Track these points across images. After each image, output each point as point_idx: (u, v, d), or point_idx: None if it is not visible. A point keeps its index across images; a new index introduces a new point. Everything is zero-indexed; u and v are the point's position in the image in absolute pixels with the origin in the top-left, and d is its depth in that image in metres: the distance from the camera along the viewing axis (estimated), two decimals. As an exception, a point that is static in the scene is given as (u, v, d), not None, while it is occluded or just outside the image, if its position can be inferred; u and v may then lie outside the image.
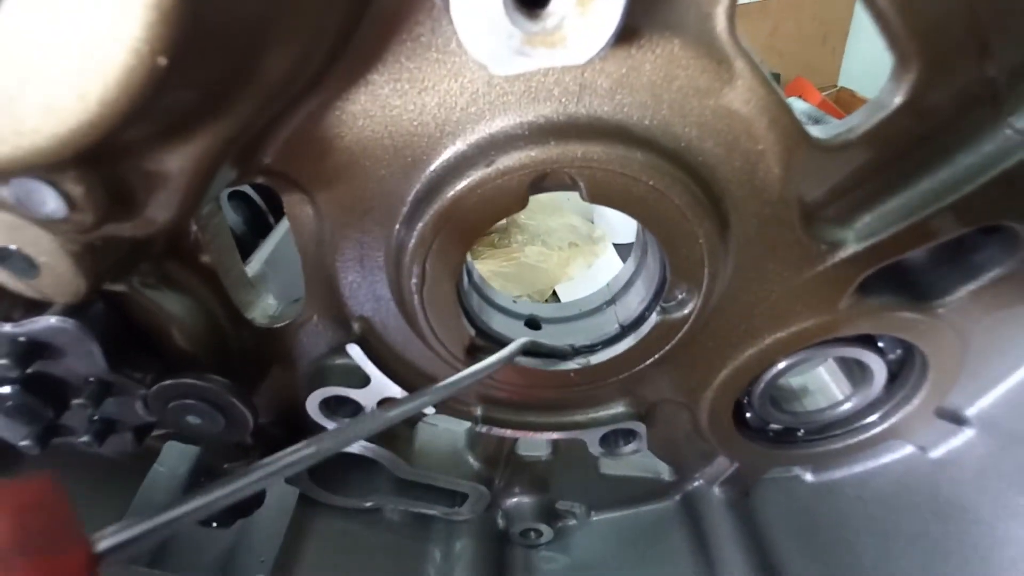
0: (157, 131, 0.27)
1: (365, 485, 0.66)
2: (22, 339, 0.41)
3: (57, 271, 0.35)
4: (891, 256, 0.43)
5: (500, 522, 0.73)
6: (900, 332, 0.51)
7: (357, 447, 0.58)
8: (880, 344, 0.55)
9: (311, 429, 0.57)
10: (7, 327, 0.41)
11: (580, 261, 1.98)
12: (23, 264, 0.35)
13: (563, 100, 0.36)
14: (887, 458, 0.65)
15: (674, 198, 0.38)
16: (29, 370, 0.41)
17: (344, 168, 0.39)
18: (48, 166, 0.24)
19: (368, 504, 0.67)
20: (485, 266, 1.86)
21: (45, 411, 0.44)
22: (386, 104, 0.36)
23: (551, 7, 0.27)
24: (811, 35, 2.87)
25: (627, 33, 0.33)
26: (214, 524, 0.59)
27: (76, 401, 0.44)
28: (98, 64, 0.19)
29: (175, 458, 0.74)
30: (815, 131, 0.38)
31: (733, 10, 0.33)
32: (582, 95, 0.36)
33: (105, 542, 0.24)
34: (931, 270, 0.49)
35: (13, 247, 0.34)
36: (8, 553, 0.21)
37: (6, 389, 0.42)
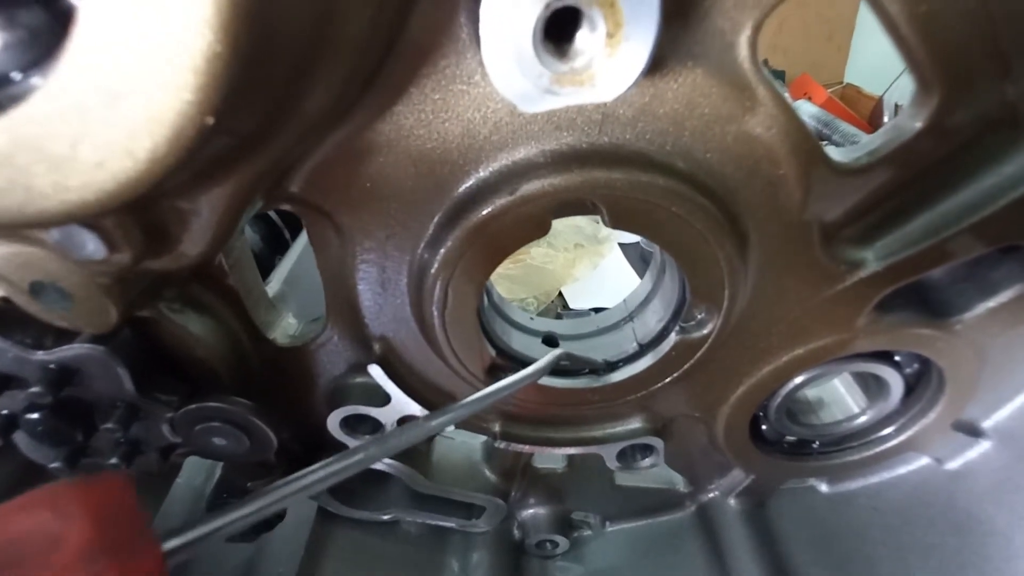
0: (194, 175, 0.27)
1: (382, 498, 0.67)
2: (53, 366, 0.42)
3: (89, 303, 0.36)
4: (910, 276, 0.44)
5: (516, 533, 0.73)
6: (918, 348, 0.51)
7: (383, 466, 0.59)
8: (897, 359, 0.55)
9: (330, 445, 0.58)
10: (39, 355, 0.41)
11: (586, 262, 1.98)
12: (56, 296, 0.36)
13: (585, 129, 0.36)
14: (903, 470, 0.65)
15: (695, 223, 0.38)
16: (60, 395, 0.42)
17: (368, 195, 0.40)
18: (92, 215, 0.24)
19: (386, 517, 0.68)
20: (491, 269, 1.86)
21: (75, 435, 0.44)
22: (411, 134, 0.37)
23: (579, 46, 0.28)
24: (816, 32, 2.86)
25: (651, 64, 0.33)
26: (241, 540, 0.59)
27: (105, 425, 0.45)
28: (149, 124, 0.20)
29: (191, 472, 0.75)
30: (835, 154, 0.38)
31: (755, 38, 0.34)
32: (604, 124, 0.36)
33: (171, 542, 0.25)
34: (949, 287, 0.49)
35: (47, 281, 0.35)
36: (93, 553, 0.22)
37: (38, 414, 0.43)
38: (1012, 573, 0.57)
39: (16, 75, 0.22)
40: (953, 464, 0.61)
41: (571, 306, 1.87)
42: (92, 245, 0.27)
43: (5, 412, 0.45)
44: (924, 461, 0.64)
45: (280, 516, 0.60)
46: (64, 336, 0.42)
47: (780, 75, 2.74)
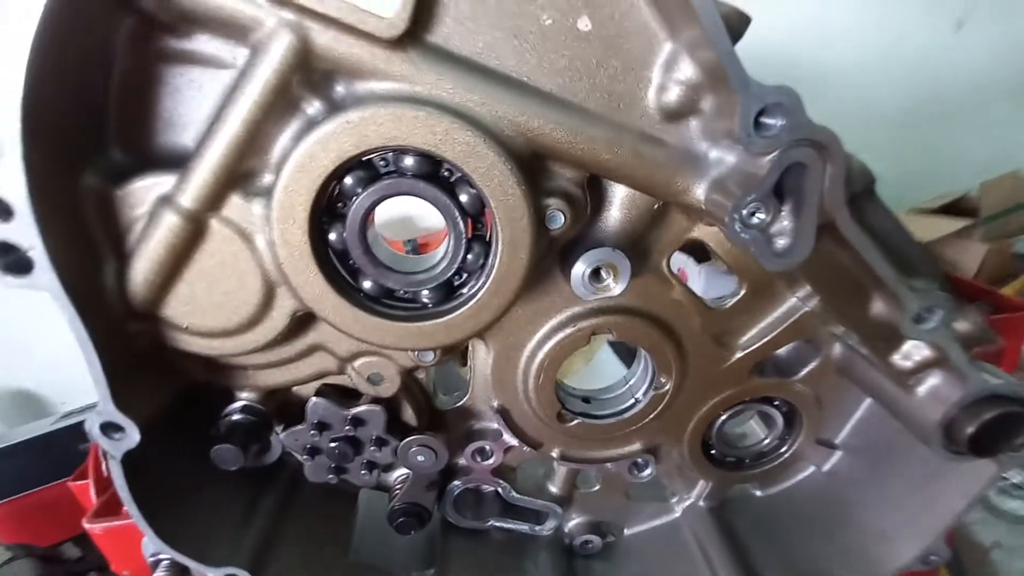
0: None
1: (483, 509, 1.05)
2: (349, 416, 0.85)
3: (392, 383, 0.81)
4: (760, 357, 0.91)
5: (566, 540, 1.10)
6: (781, 395, 0.96)
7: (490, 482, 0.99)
8: (776, 402, 1.00)
9: (455, 471, 0.99)
10: (344, 411, 0.85)
11: (581, 359, 2.45)
12: (378, 379, 0.81)
13: (608, 298, 0.85)
14: (802, 475, 1.07)
15: (655, 337, 0.86)
16: (353, 434, 0.85)
17: (500, 332, 0.87)
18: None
19: (485, 525, 1.05)
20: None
21: (353, 459, 0.86)
22: (523, 307, 0.84)
23: (603, 277, 0.77)
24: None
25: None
26: (412, 531, 0.96)
27: (368, 450, 0.87)
28: (476, 323, 0.68)
29: (369, 501, 1.12)
30: (710, 303, 0.87)
31: (669, 258, 0.84)
32: (618, 296, 0.85)
33: None
34: (789, 359, 0.96)
35: (377, 373, 0.80)
36: None
37: (336, 444, 0.85)
38: (872, 533, 0.97)
39: (427, 301, 0.70)
40: (826, 467, 1.03)
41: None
42: (430, 356, 0.73)
43: (309, 445, 0.87)
44: (812, 468, 1.05)
45: (430, 516, 0.98)
46: (355, 398, 0.86)
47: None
